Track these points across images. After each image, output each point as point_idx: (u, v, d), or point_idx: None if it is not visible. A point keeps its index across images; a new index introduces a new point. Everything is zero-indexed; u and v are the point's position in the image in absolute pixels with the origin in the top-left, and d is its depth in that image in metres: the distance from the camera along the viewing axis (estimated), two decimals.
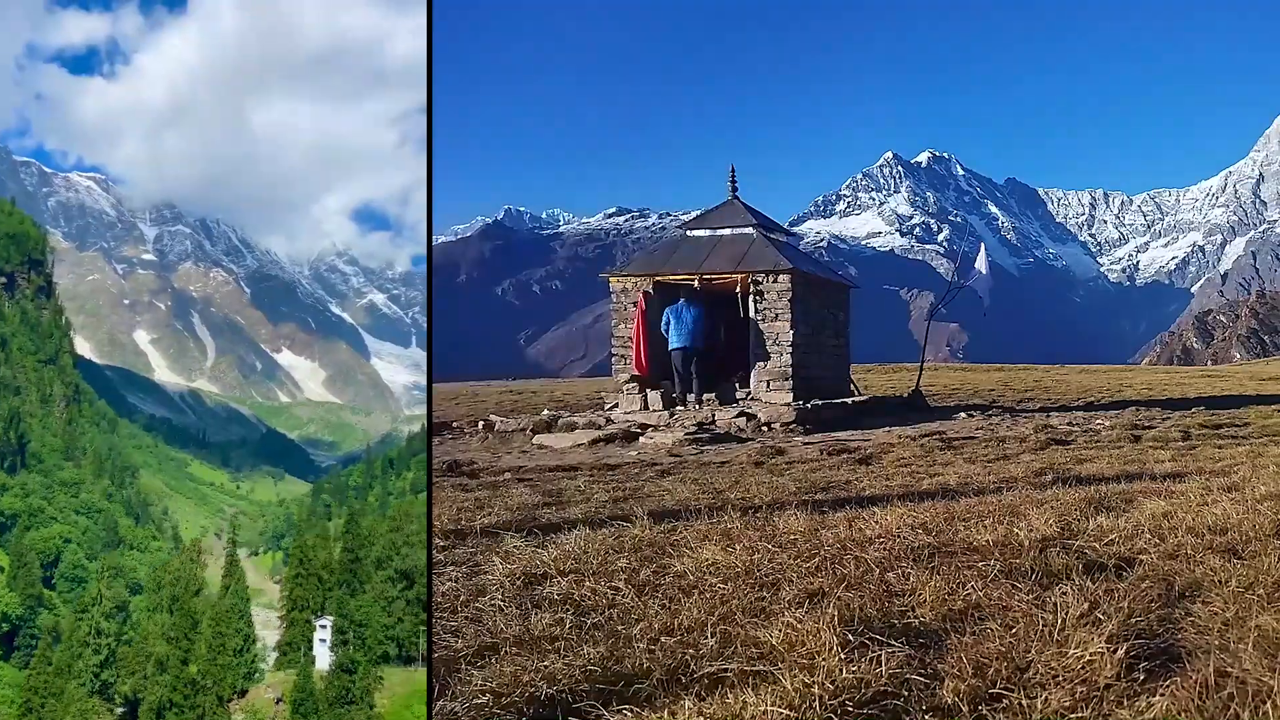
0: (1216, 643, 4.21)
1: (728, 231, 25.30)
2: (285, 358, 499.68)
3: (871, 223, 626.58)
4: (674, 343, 23.18)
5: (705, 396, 23.32)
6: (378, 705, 51.72)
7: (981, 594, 4.98)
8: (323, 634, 56.60)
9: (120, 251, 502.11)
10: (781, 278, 23.47)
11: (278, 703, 53.17)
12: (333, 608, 57.22)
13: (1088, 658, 3.98)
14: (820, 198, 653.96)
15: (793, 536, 6.64)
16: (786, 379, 23.21)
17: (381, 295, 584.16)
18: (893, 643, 4.23)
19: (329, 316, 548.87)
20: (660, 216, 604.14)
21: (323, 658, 54.79)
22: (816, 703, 3.74)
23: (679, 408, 22.80)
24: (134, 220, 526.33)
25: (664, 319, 23.32)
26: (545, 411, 25.04)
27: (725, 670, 4.10)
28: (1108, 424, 19.87)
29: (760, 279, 23.54)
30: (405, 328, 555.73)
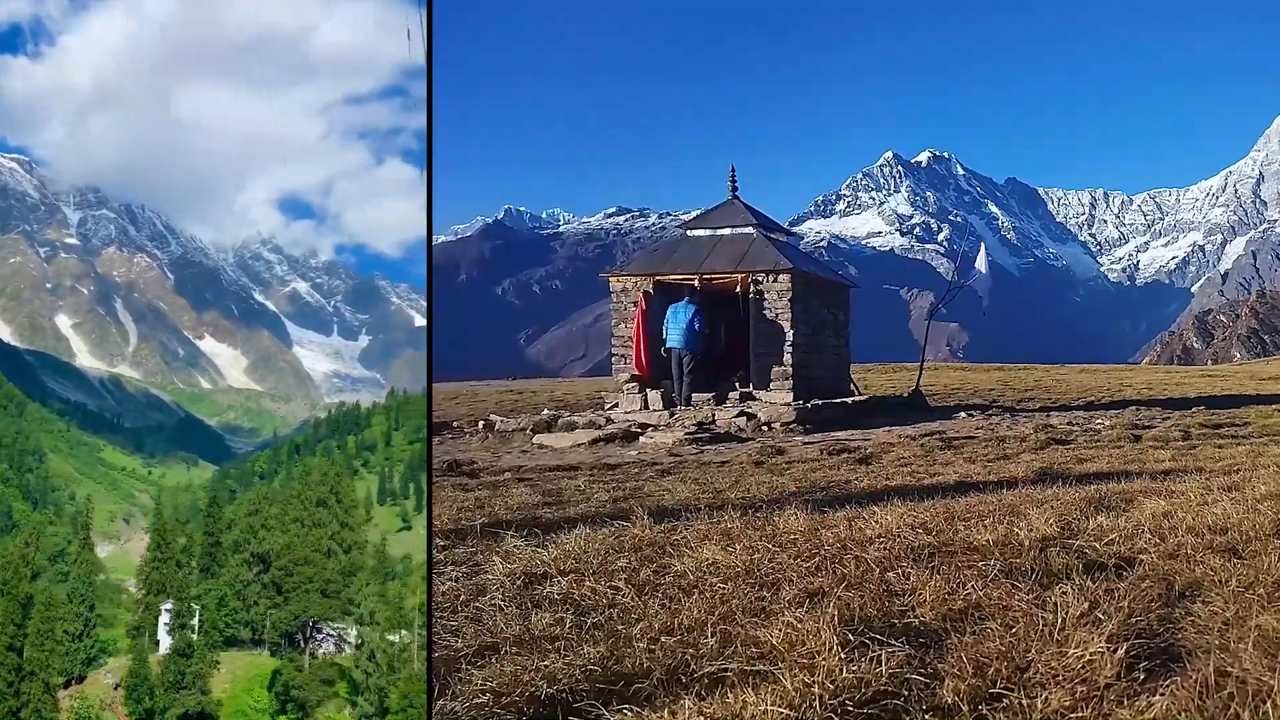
0: (1216, 642, 4.21)
1: (728, 231, 25.30)
2: (208, 345, 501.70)
3: (871, 222, 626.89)
4: (669, 343, 23.24)
5: (704, 396, 23.32)
6: (216, 690, 51.53)
7: (981, 594, 4.97)
8: (166, 618, 56.53)
9: (43, 235, 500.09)
10: (781, 277, 23.47)
11: (115, 688, 52.95)
12: (173, 591, 57.04)
13: (1088, 658, 3.98)
14: (820, 198, 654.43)
15: (793, 536, 6.64)
16: (786, 379, 23.21)
17: (304, 284, 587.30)
18: (893, 643, 4.23)
19: (252, 304, 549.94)
20: (660, 216, 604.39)
21: (165, 642, 54.79)
22: (816, 703, 3.74)
23: (678, 407, 22.81)
24: (57, 203, 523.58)
25: (664, 318, 23.39)
26: (545, 411, 25.04)
27: (725, 670, 4.10)
28: (1108, 424, 19.88)
29: (760, 279, 23.54)
30: (327, 316, 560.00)
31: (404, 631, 51.94)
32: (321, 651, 57.65)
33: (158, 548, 60.20)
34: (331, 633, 58.69)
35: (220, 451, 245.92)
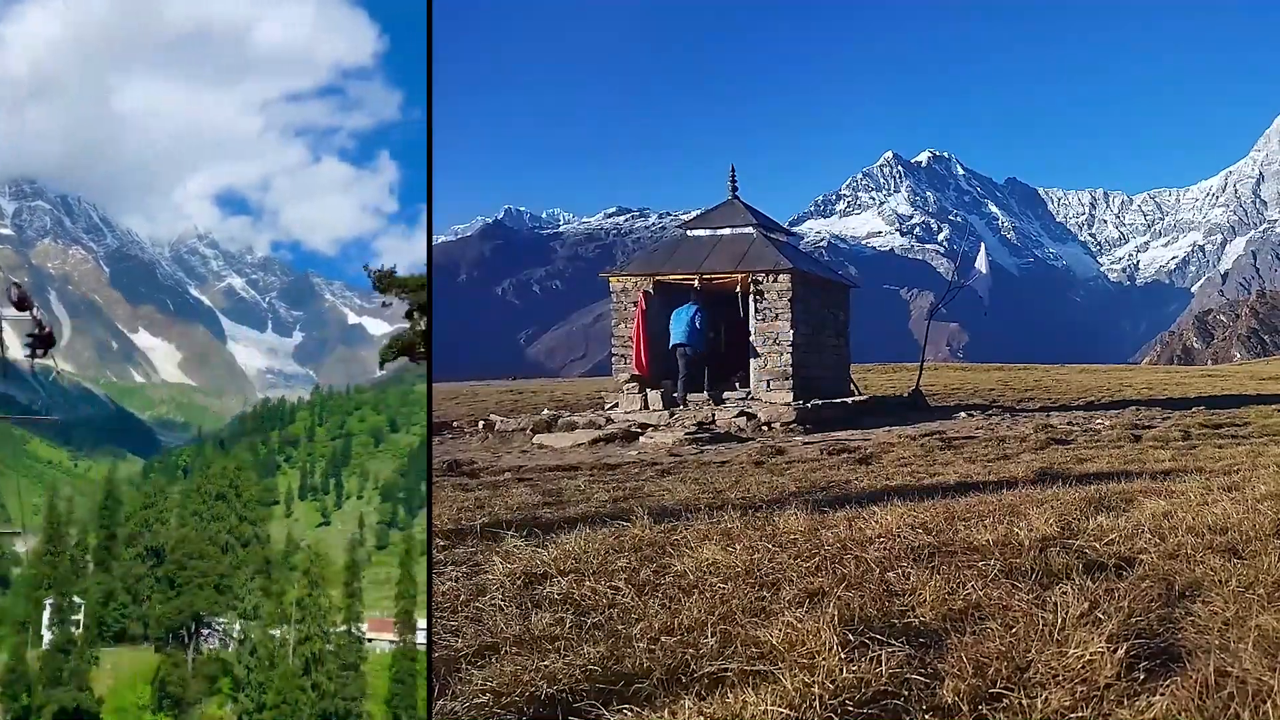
0: (1216, 642, 4.21)
1: (728, 231, 25.30)
2: (142, 339, 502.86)
3: (871, 222, 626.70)
4: (672, 339, 23.39)
5: (702, 396, 23.33)
6: (99, 687, 50.92)
7: (981, 594, 4.98)
8: (49, 613, 56.01)
9: None
10: (781, 277, 23.46)
11: None
12: (58, 586, 56.44)
13: (1088, 658, 3.98)
14: (820, 198, 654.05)
15: (793, 536, 6.64)
16: (786, 379, 23.21)
17: (240, 279, 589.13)
18: (893, 643, 4.23)
19: (187, 299, 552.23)
20: (660, 216, 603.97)
21: (46, 638, 54.31)
22: (816, 703, 3.74)
23: (679, 406, 22.82)
24: None
25: (669, 320, 23.58)
26: (545, 411, 25.04)
27: (725, 670, 4.10)
28: (1108, 424, 19.88)
29: (760, 279, 23.54)
30: (262, 312, 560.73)
31: (284, 626, 51.65)
32: (207, 647, 57.29)
33: (49, 541, 59.67)
34: (217, 628, 58.37)
35: (150, 446, 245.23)
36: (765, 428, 21.09)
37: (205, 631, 58.14)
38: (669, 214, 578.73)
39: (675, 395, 23.34)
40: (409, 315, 19.11)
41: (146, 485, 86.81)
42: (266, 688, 48.28)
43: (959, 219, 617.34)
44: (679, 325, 23.36)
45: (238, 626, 56.43)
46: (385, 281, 19.02)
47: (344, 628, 53.12)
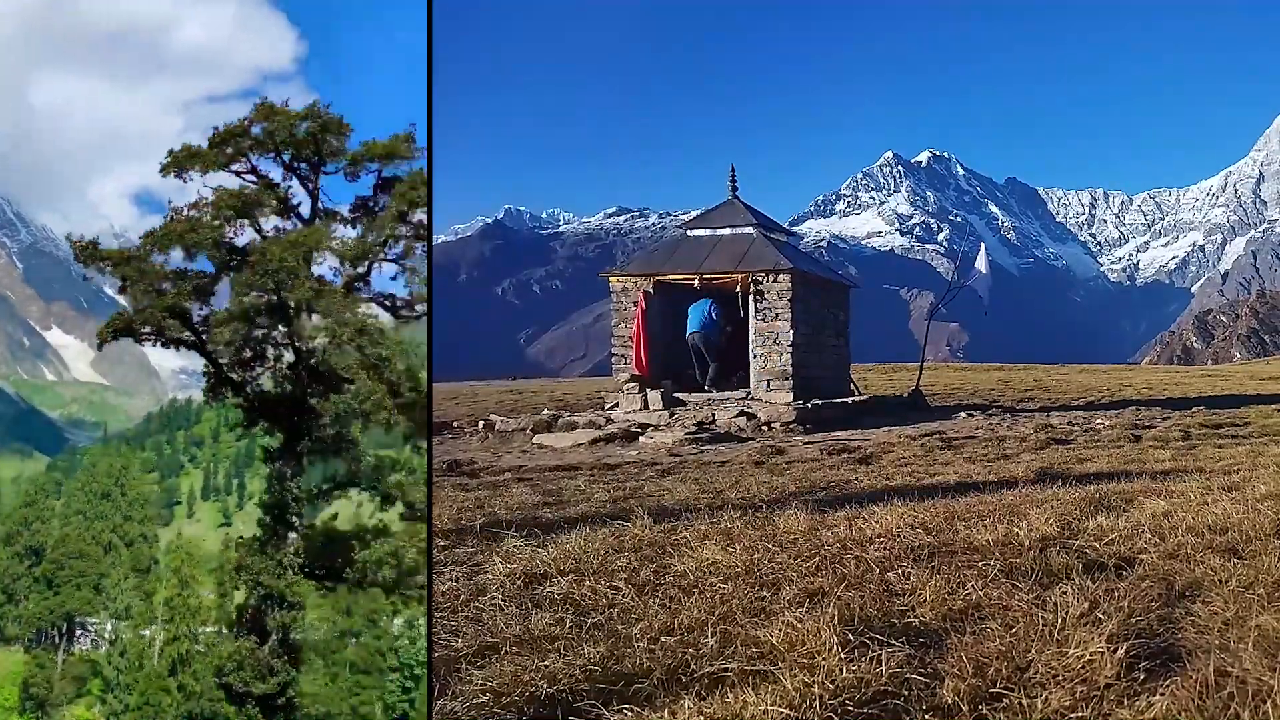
0: (1216, 642, 4.21)
1: (728, 231, 25.30)
2: (55, 336, 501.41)
3: (871, 222, 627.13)
4: (688, 329, 23.79)
5: (701, 396, 23.33)
6: None
7: (981, 594, 4.97)
8: None
9: None
10: (781, 277, 23.47)
11: None
12: None
13: (1088, 657, 3.97)
14: (820, 198, 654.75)
15: (793, 536, 6.64)
16: (786, 379, 23.21)
17: None
18: (893, 643, 4.23)
19: (102, 297, 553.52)
20: (660, 216, 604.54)
21: None
22: (816, 702, 3.74)
23: (680, 405, 22.84)
24: None
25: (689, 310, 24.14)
26: (545, 411, 25.04)
27: (725, 670, 4.10)
28: (1108, 424, 19.88)
29: (760, 279, 23.54)
30: None
31: (153, 626, 51.25)
32: (79, 648, 56.74)
33: None
34: (90, 628, 57.93)
35: (59, 444, 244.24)
36: (765, 428, 21.10)
37: (79, 632, 57.62)
38: (669, 214, 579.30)
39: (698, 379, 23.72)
40: (121, 291, 17.58)
41: (28, 484, 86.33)
42: (132, 689, 47.97)
43: (959, 219, 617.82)
44: (696, 316, 23.79)
45: (109, 627, 56.05)
46: (86, 254, 17.36)
47: (214, 628, 52.54)
